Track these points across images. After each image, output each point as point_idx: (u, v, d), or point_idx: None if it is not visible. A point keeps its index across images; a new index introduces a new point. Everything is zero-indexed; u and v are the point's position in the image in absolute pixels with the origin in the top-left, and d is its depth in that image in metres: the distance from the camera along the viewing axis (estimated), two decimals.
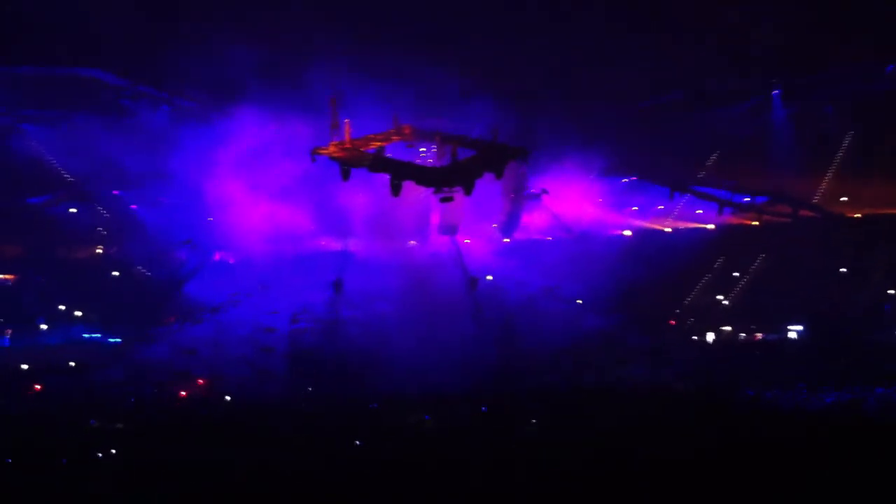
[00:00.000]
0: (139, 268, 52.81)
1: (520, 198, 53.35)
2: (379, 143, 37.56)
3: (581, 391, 40.82)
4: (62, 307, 49.80)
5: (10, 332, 47.62)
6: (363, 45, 43.90)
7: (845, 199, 53.62)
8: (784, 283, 51.78)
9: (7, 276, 50.42)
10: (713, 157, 55.07)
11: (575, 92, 49.99)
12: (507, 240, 55.22)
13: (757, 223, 54.54)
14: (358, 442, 31.02)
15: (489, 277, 52.63)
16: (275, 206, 49.65)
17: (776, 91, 51.94)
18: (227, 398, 39.25)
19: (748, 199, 54.31)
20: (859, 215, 53.38)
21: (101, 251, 54.36)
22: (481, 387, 40.73)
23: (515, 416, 35.07)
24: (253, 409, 38.00)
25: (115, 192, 54.08)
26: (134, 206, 54.25)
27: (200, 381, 42.66)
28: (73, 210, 53.48)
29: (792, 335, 51.13)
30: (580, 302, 51.48)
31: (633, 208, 57.29)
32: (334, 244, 54.47)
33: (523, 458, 28.46)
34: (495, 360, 45.32)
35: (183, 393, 40.94)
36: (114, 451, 29.59)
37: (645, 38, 46.82)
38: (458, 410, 36.10)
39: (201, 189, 49.37)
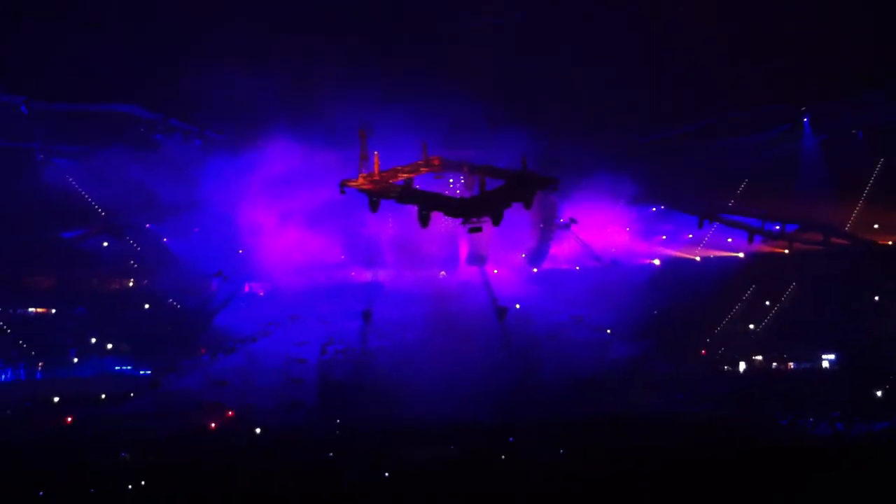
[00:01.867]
0: (170, 300, 53.19)
1: (548, 227, 53.51)
2: (407, 175, 37.64)
3: (608, 420, 40.52)
4: (94, 340, 50.15)
5: (42, 364, 47.98)
6: (391, 77, 44.19)
7: (877, 226, 53.06)
8: (816, 312, 51.31)
9: (40, 310, 50.88)
10: (743, 185, 54.82)
11: (603, 120, 49.94)
12: (536, 269, 55.28)
13: (787, 251, 54.07)
14: (387, 474, 30.92)
15: (517, 306, 52.57)
16: (304, 236, 50.03)
17: (806, 117, 51.62)
18: (258, 430, 39.26)
19: (778, 226, 53.89)
20: (891, 242, 52.77)
21: (132, 284, 54.84)
22: (509, 416, 40.59)
23: (542, 446, 34.83)
24: (282, 439, 37.98)
25: (147, 225, 54.64)
26: (165, 239, 54.78)
27: (230, 412, 42.76)
28: (106, 244, 54.03)
29: (825, 364, 50.55)
30: (609, 331, 51.29)
31: (662, 237, 57.11)
32: (364, 274, 54.72)
33: (550, 487, 28.30)
34: (523, 389, 45.19)
35: (213, 425, 41.02)
36: (143, 483, 29.69)
37: (675, 66, 46.75)
38: (485, 440, 35.90)
39: (231, 220, 49.87)
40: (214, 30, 44.02)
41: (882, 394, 44.60)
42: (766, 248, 54.68)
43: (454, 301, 51.69)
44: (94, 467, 31.84)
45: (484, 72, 45.90)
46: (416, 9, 44.64)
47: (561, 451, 34.16)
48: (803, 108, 51.54)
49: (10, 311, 49.78)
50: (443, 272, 55.27)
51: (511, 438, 36.17)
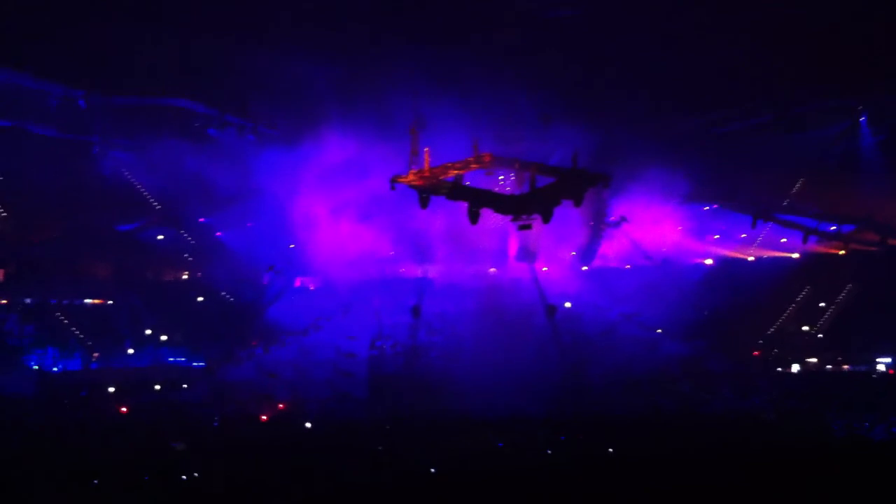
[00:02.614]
0: (223, 293, 53.81)
1: (599, 225, 53.28)
2: (458, 171, 37.72)
3: (659, 417, 40.30)
4: (149, 331, 50.91)
5: (97, 355, 48.80)
6: (443, 71, 44.21)
7: None
8: (871, 314, 50.37)
9: (97, 301, 51.74)
10: (798, 184, 54.07)
11: (657, 116, 49.61)
12: (586, 267, 55.05)
13: (843, 252, 53.20)
14: (433, 469, 30.97)
15: (567, 304, 52.42)
16: (355, 230, 50.36)
17: (863, 116, 50.79)
18: (308, 425, 39.56)
19: (834, 227, 53.04)
20: None
21: (186, 276, 55.60)
22: (559, 411, 40.53)
23: (590, 442, 34.73)
24: (332, 431, 38.25)
25: (200, 219, 55.36)
26: (219, 234, 55.46)
27: (281, 405, 43.16)
28: (161, 236, 54.85)
29: (881, 367, 49.68)
30: (660, 330, 50.92)
31: (715, 236, 56.55)
32: (414, 269, 54.95)
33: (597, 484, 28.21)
34: (573, 386, 45.03)
35: (264, 417, 41.43)
36: (196, 474, 30.05)
37: (729, 61, 46.22)
38: (535, 434, 35.85)
39: (284, 214, 50.37)
40: (269, 24, 44.40)
41: None
42: (821, 249, 53.85)
43: (504, 297, 51.69)
44: (147, 456, 32.26)
45: (537, 66, 45.74)
46: (469, 4, 44.61)
47: (610, 449, 34.03)
48: (860, 107, 50.72)
49: (67, 301, 50.62)
50: (492, 268, 55.29)
51: (562, 437, 36.05)
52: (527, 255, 53.49)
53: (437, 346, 50.43)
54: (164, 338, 50.67)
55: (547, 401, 42.09)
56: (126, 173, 53.94)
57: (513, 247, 53.83)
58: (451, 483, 28.98)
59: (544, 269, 54.52)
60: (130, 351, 49.74)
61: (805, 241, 52.60)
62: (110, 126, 52.38)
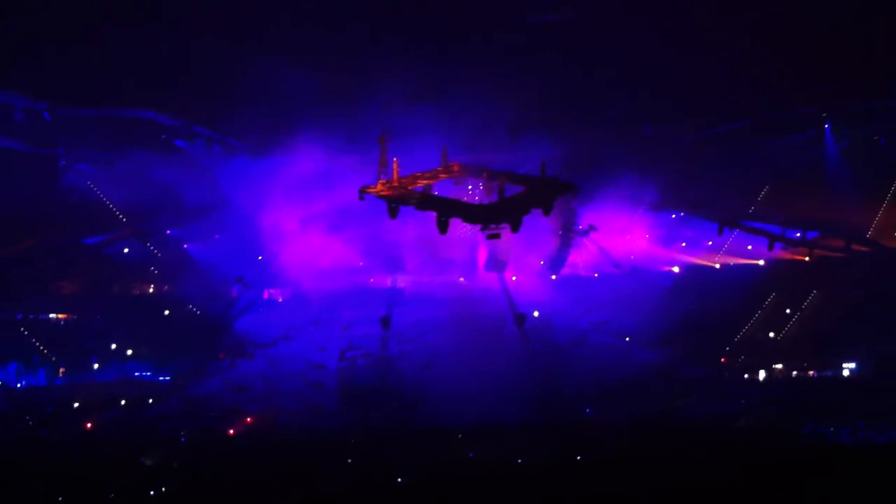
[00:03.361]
0: (191, 306, 53.40)
1: (568, 234, 53.45)
2: (426, 181, 37.71)
3: (632, 424, 40.48)
4: (115, 345, 50.41)
5: (63, 370, 48.23)
6: (412, 81, 44.17)
7: None
8: (837, 320, 50.87)
9: (62, 315, 51.16)
10: (764, 191, 54.58)
11: (624, 125, 49.85)
12: (555, 276, 55.21)
13: (808, 258, 53.73)
14: (399, 479, 30.90)
15: (536, 314, 52.51)
16: (324, 242, 50.21)
17: (827, 124, 51.36)
18: (277, 436, 39.35)
19: (799, 234, 53.55)
20: None
21: (153, 290, 55.11)
22: (529, 420, 40.59)
23: (563, 449, 34.79)
24: (303, 444, 38.03)
25: (167, 231, 54.93)
26: (187, 246, 55.05)
27: (249, 418, 42.88)
28: (127, 249, 54.33)
29: (845, 372, 50.15)
30: (628, 338, 51.16)
31: (682, 244, 56.92)
32: (384, 280, 54.85)
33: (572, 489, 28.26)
34: (544, 394, 45.08)
35: (231, 431, 41.12)
36: (163, 489, 29.78)
37: (692, 72, 46.54)
38: (506, 443, 35.88)
39: (252, 226, 50.11)
40: (237, 33, 44.16)
41: None
42: (786, 255, 54.37)
43: (473, 307, 51.68)
44: (113, 473, 31.91)
45: (505, 75, 45.81)
46: (437, 13, 44.58)
47: (578, 457, 34.15)
48: (825, 115, 51.26)
49: (32, 316, 50.02)
50: (462, 278, 55.29)
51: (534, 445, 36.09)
52: (496, 264, 53.57)
53: (407, 356, 50.28)
54: (130, 352, 50.16)
55: (517, 410, 42.09)
56: (92, 186, 53.33)
57: (482, 256, 53.87)
58: (421, 493, 28.91)
59: (513, 278, 54.61)
60: (96, 366, 49.20)
61: (771, 247, 53.06)
62: (76, 138, 51.81)
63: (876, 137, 51.25)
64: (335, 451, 35.58)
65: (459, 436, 37.58)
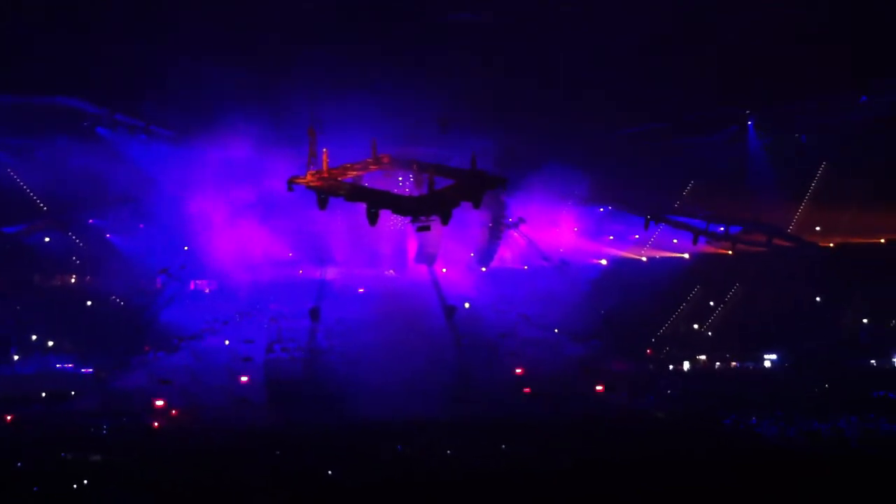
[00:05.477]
0: (114, 297, 52.43)
1: (497, 227, 53.71)
2: (356, 173, 37.58)
3: (560, 417, 40.95)
4: (35, 337, 49.29)
5: None
6: (342, 72, 43.81)
7: (819, 228, 54.04)
8: (758, 312, 52.08)
9: None
10: (689, 187, 55.46)
11: (553, 120, 50.05)
12: (484, 269, 55.44)
13: (731, 252, 54.83)
14: (330, 472, 30.76)
15: (466, 305, 52.68)
16: (252, 233, 49.62)
17: (750, 121, 52.31)
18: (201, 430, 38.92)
19: (723, 228, 54.57)
20: (833, 244, 53.79)
21: (74, 280, 53.98)
22: (454, 413, 40.77)
23: (490, 444, 34.99)
24: (228, 437, 37.63)
25: (90, 220, 53.76)
26: (109, 236, 53.95)
27: (174, 411, 42.30)
28: (48, 239, 53.08)
29: (767, 363, 51.38)
30: (556, 331, 51.63)
31: (610, 237, 57.60)
32: (313, 272, 54.45)
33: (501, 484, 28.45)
34: (472, 388, 45.32)
35: (156, 424, 40.54)
36: (85, 483, 29.21)
37: (622, 68, 46.96)
38: (434, 436, 35.95)
39: (177, 216, 49.26)
40: (165, 22, 43.29)
41: (823, 392, 45.50)
42: (710, 249, 55.38)
43: (403, 299, 51.64)
44: (35, 467, 31.28)
45: (436, 67, 45.67)
46: (370, 4, 44.30)
47: (503, 446, 34.38)
48: (748, 112, 52.19)
49: None
50: (391, 270, 55.19)
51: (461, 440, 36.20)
52: (426, 256, 53.60)
53: (335, 348, 50.03)
54: (51, 344, 49.11)
55: (446, 404, 42.25)
56: (11, 173, 51.92)
57: (412, 248, 53.85)
58: (348, 488, 28.86)
59: (443, 270, 54.69)
60: (16, 357, 48.11)
61: (695, 241, 53.91)
62: None
63: (797, 135, 52.27)
64: (261, 446, 35.22)
65: (387, 429, 37.52)
